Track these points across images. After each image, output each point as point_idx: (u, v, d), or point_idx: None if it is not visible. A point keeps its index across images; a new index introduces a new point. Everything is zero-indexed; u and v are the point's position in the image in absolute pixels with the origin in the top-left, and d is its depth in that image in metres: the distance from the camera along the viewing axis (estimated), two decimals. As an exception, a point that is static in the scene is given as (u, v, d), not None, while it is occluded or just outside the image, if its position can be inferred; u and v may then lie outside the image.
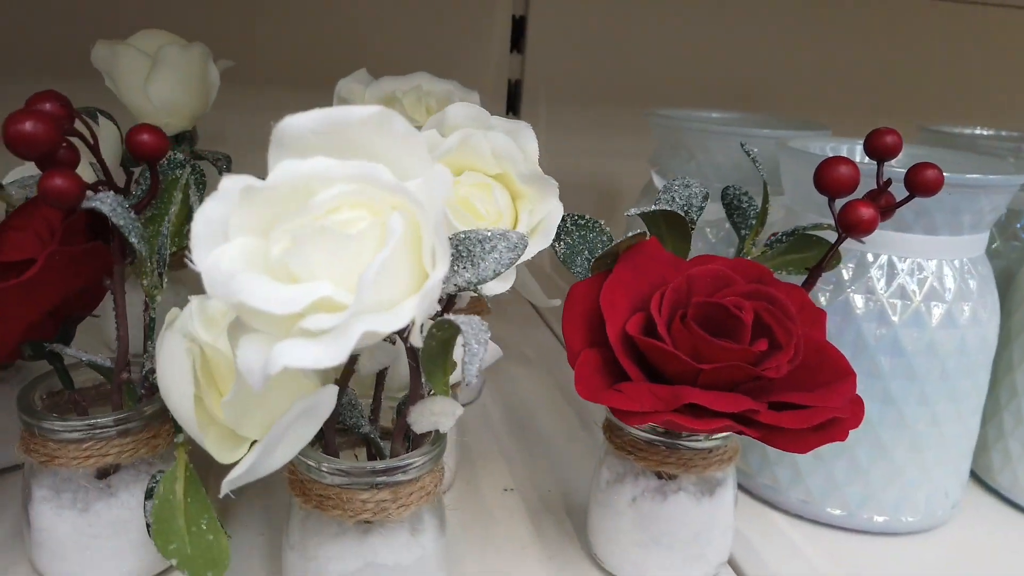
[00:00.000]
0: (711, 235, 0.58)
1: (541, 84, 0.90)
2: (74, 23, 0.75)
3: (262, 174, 0.26)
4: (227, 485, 0.28)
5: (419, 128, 0.48)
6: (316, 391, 0.29)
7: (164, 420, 0.38)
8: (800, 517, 0.47)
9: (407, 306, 0.24)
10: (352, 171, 0.24)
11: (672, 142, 0.60)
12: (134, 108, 0.57)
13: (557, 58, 0.90)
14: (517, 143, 0.37)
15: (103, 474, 0.37)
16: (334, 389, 0.29)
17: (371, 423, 0.36)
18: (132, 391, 0.38)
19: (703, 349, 0.32)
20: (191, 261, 0.25)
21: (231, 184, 0.25)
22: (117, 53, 0.55)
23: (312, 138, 0.26)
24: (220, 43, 0.60)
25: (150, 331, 0.37)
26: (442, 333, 0.29)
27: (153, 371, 0.37)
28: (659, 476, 0.39)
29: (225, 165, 0.60)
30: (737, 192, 0.43)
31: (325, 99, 0.76)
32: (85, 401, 0.39)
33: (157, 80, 0.55)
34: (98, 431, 0.35)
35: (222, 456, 0.30)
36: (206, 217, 0.25)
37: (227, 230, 0.25)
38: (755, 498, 0.49)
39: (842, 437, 0.31)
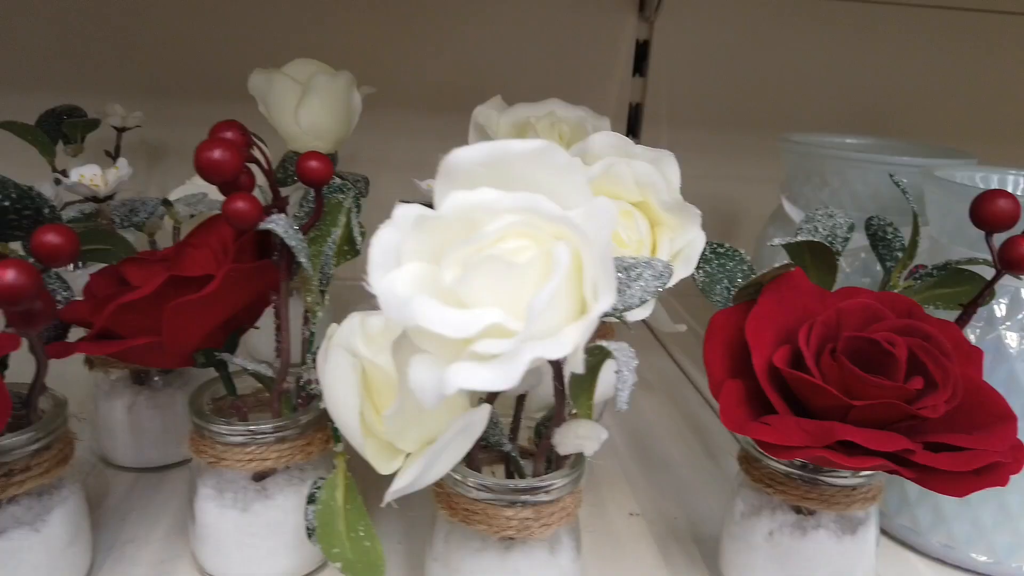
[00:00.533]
0: (845, 265, 0.57)
1: (662, 108, 0.91)
2: (229, 52, 0.81)
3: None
4: (390, 495, 0.30)
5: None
6: (472, 410, 0.30)
7: (318, 428, 0.40)
8: (941, 561, 0.45)
9: (569, 333, 0.25)
10: (518, 202, 0.25)
11: (805, 168, 0.59)
12: (284, 132, 0.60)
13: (678, 82, 0.90)
14: (660, 171, 0.38)
15: (260, 477, 0.40)
16: (488, 408, 0.31)
17: (511, 442, 0.38)
18: (288, 400, 0.40)
19: (854, 385, 0.31)
20: (366, 283, 0.27)
21: (405, 212, 0.27)
22: (272, 80, 0.59)
23: (478, 170, 0.27)
24: (355, 69, 0.63)
25: (310, 344, 0.39)
26: (593, 359, 0.30)
27: (310, 382, 0.39)
28: (797, 511, 0.38)
29: (364, 186, 0.63)
30: (881, 223, 0.42)
31: (448, 122, 0.79)
32: (245, 407, 0.42)
33: (307, 106, 0.58)
34: (259, 436, 0.38)
35: (381, 467, 0.32)
36: (381, 243, 0.27)
37: (400, 255, 0.27)
38: (892, 539, 0.47)
39: (1003, 482, 0.30)
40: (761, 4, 0.87)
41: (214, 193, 0.57)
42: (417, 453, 0.33)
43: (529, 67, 0.87)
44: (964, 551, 0.44)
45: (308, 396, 0.40)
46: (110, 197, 0.45)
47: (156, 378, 0.50)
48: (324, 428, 0.41)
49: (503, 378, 0.23)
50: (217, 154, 0.32)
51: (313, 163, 0.36)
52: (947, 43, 0.90)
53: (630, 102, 0.91)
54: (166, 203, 0.50)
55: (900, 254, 0.41)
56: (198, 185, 0.60)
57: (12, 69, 0.79)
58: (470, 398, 0.34)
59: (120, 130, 0.71)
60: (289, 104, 0.59)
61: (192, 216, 0.52)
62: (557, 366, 0.32)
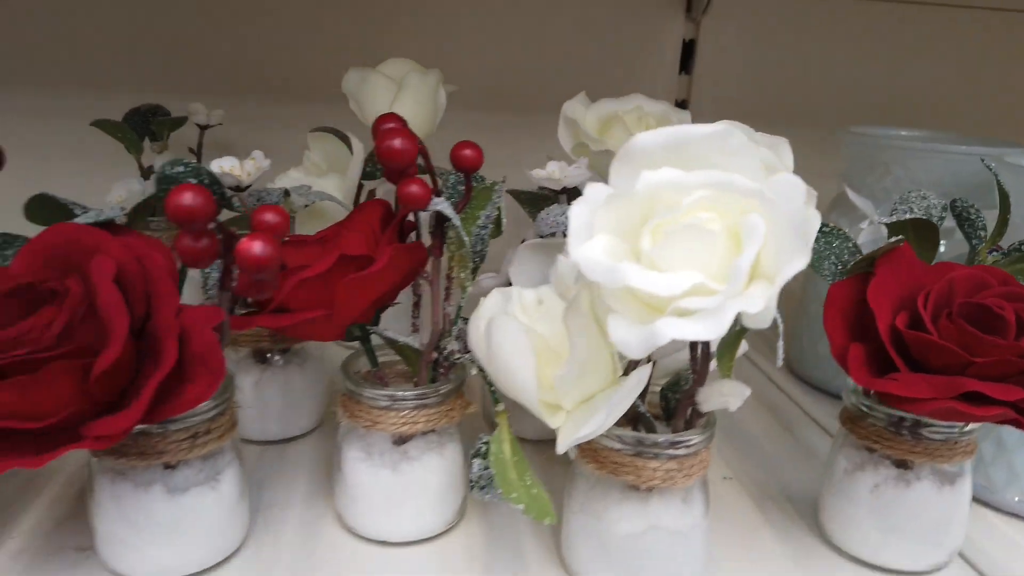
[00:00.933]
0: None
1: (706, 104, 0.94)
2: (312, 55, 0.84)
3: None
4: (565, 445, 0.33)
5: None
6: (640, 369, 0.34)
7: (457, 395, 0.44)
8: (1016, 516, 0.49)
9: (755, 293, 0.28)
10: (710, 179, 0.29)
11: (868, 159, 0.63)
12: (377, 128, 0.64)
13: (722, 80, 0.94)
14: (777, 156, 0.42)
15: (401, 441, 0.43)
16: (650, 368, 0.34)
17: (642, 403, 0.41)
18: (428, 369, 0.44)
19: (971, 344, 0.35)
20: (565, 252, 0.30)
21: (596, 192, 0.31)
22: (366, 79, 0.62)
23: (660, 152, 0.31)
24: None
25: (455, 319, 0.43)
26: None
27: (454, 352, 0.43)
28: (897, 465, 0.42)
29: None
30: (965, 204, 0.46)
31: (499, 119, 0.83)
32: (385, 378, 0.45)
33: (401, 103, 0.62)
34: (412, 401, 0.41)
35: (551, 422, 0.35)
36: (577, 218, 0.31)
37: (592, 228, 0.31)
38: (967, 497, 0.51)
39: (1106, 428, 0.34)
40: (804, 5, 0.91)
41: (316, 184, 0.61)
42: (575, 409, 0.36)
43: (577, 64, 0.90)
44: (1038, 505, 0.48)
45: (449, 365, 0.43)
46: (249, 186, 0.48)
47: (277, 357, 0.54)
48: (461, 395, 0.44)
49: (712, 330, 0.27)
50: (398, 143, 0.36)
51: (467, 151, 0.39)
52: (979, 42, 0.94)
53: (676, 99, 0.94)
54: (286, 193, 0.53)
55: (983, 233, 0.45)
56: (293, 178, 0.63)
57: (87, 70, 0.83)
58: (616, 365, 0.38)
59: (203, 128, 0.75)
60: (383, 101, 0.62)
61: (305, 206, 0.56)
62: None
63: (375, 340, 0.45)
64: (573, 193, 0.54)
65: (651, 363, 0.34)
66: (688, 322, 0.27)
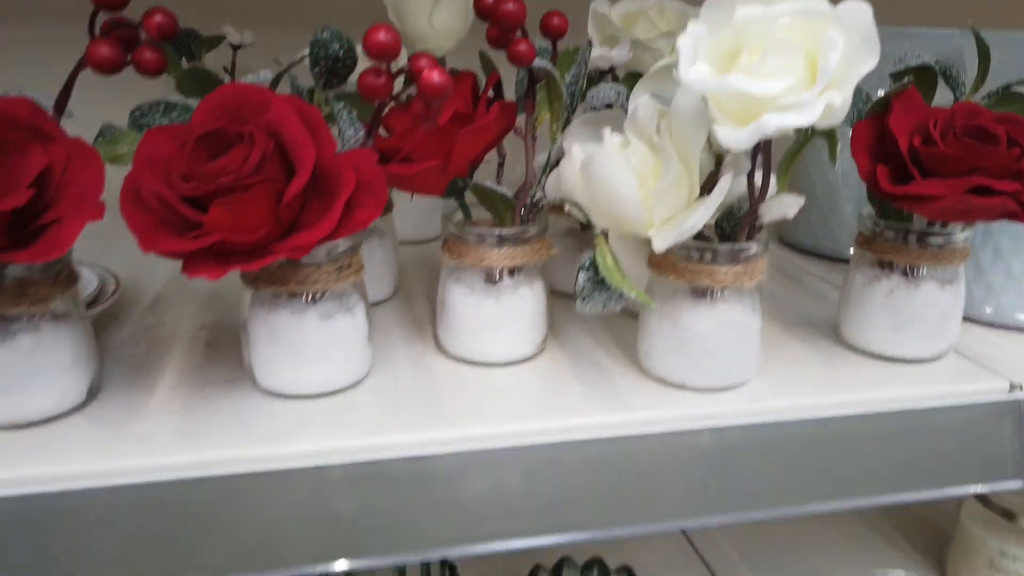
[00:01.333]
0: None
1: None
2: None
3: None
4: (667, 241, 0.42)
5: (664, 34, 0.61)
6: (727, 175, 0.42)
7: (542, 237, 0.51)
8: (991, 325, 0.60)
9: (832, 93, 0.37)
10: (794, 7, 0.37)
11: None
12: (416, 34, 0.70)
13: None
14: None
15: (497, 277, 0.50)
16: (730, 178, 0.43)
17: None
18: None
19: (972, 154, 0.44)
20: (676, 72, 0.38)
21: (697, 28, 0.39)
22: (407, -12, 0.68)
23: (743, -6, 0.39)
24: None
25: (543, 170, 0.50)
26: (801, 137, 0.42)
27: (542, 198, 0.50)
28: (905, 274, 0.52)
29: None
30: (946, 64, 0.55)
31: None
32: (476, 226, 0.52)
33: (441, 10, 0.68)
34: (507, 239, 0.49)
35: (648, 232, 0.43)
36: (684, 48, 0.38)
37: (695, 57, 0.39)
38: (949, 317, 0.62)
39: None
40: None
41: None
42: (662, 225, 0.45)
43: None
44: (1010, 314, 0.59)
45: (537, 211, 0.51)
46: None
47: (358, 231, 0.60)
48: (544, 238, 0.52)
49: (807, 118, 0.35)
50: (511, 6, 0.43)
51: (556, 20, 0.47)
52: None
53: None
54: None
55: (964, 87, 0.54)
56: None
57: None
58: (695, 189, 0.46)
59: (236, 48, 0.79)
60: (424, 9, 0.68)
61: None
62: (767, 147, 0.44)
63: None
64: (615, 74, 0.61)
65: (730, 175, 0.43)
66: (787, 114, 0.36)
